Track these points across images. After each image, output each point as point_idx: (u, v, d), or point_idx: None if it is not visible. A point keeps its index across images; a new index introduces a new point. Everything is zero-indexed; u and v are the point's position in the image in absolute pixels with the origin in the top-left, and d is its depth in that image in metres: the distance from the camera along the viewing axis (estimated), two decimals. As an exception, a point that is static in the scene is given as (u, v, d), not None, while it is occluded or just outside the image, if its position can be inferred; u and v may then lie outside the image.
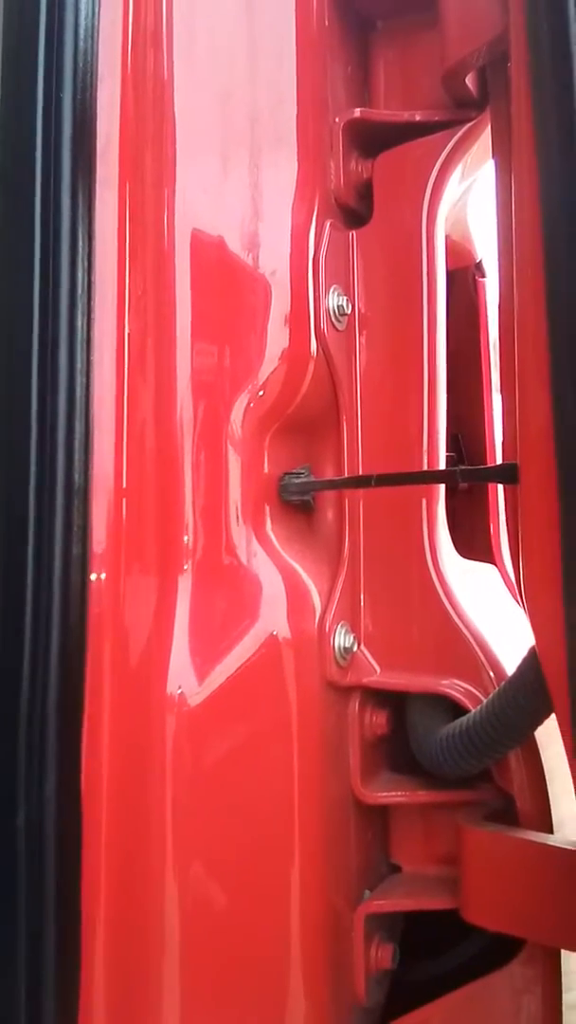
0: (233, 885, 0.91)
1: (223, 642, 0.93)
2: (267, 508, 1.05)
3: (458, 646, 1.06)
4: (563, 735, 0.80)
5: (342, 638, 1.06)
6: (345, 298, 1.10)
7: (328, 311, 1.08)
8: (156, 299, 0.90)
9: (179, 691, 0.87)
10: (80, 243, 0.82)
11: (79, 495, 0.81)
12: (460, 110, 1.10)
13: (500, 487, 1.39)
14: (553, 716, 0.87)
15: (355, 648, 1.08)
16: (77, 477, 0.81)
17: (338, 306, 1.09)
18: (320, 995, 0.99)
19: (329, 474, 1.14)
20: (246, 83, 1.02)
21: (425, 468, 1.10)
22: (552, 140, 0.77)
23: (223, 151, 0.99)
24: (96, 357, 0.84)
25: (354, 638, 1.08)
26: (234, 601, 0.97)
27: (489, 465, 1.50)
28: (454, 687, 1.05)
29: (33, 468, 0.79)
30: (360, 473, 1.12)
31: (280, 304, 1.03)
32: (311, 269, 1.06)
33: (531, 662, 0.90)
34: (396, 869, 1.16)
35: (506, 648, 1.07)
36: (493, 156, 1.06)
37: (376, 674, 1.09)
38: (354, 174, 1.14)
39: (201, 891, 0.88)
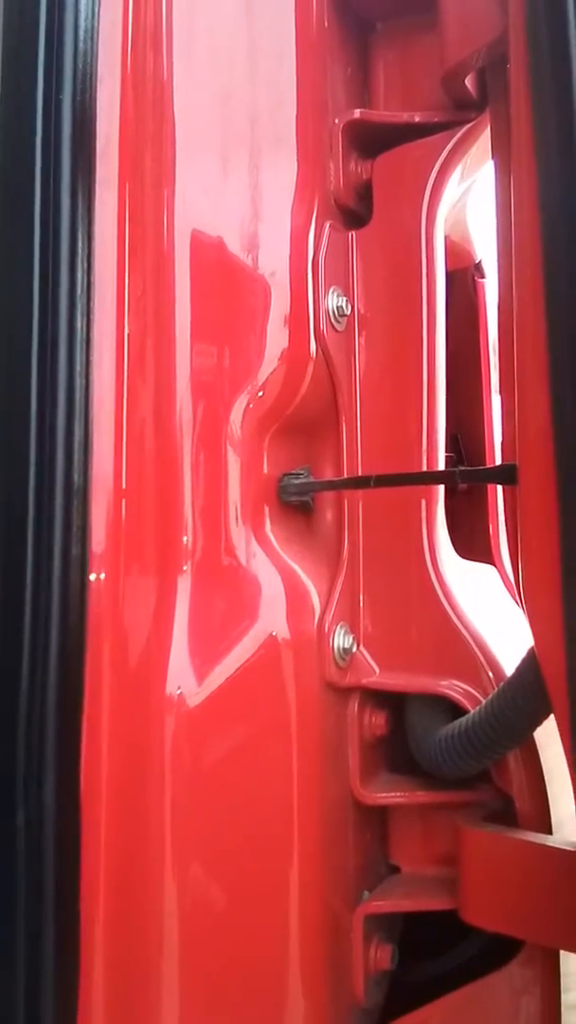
0: (232, 885, 0.91)
1: (222, 643, 0.93)
2: (266, 509, 1.05)
3: (457, 647, 1.06)
4: (561, 736, 0.80)
5: (341, 639, 1.06)
6: (344, 299, 1.11)
7: (327, 312, 1.08)
8: (156, 300, 0.90)
9: (178, 692, 0.87)
10: (80, 243, 0.82)
11: (78, 495, 0.81)
12: (459, 111, 1.10)
13: (499, 488, 1.39)
14: (552, 717, 0.87)
15: (354, 649, 1.08)
16: (76, 477, 0.81)
17: (337, 307, 1.09)
18: (319, 996, 0.99)
19: (328, 475, 1.14)
20: (246, 84, 1.02)
21: (424, 469, 1.10)
22: (551, 141, 0.77)
23: (223, 152, 0.99)
24: (95, 357, 0.84)
25: (353, 639, 1.08)
26: (233, 602, 0.97)
27: (488, 466, 1.50)
28: (453, 688, 1.05)
29: (32, 468, 0.79)
30: (359, 474, 1.12)
31: (279, 305, 1.03)
32: (310, 270, 1.06)
33: (530, 663, 0.90)
34: (395, 870, 1.16)
35: (505, 649, 1.07)
36: (492, 157, 1.06)
37: (375, 675, 1.09)
38: (353, 175, 1.15)
39: (200, 891, 0.88)
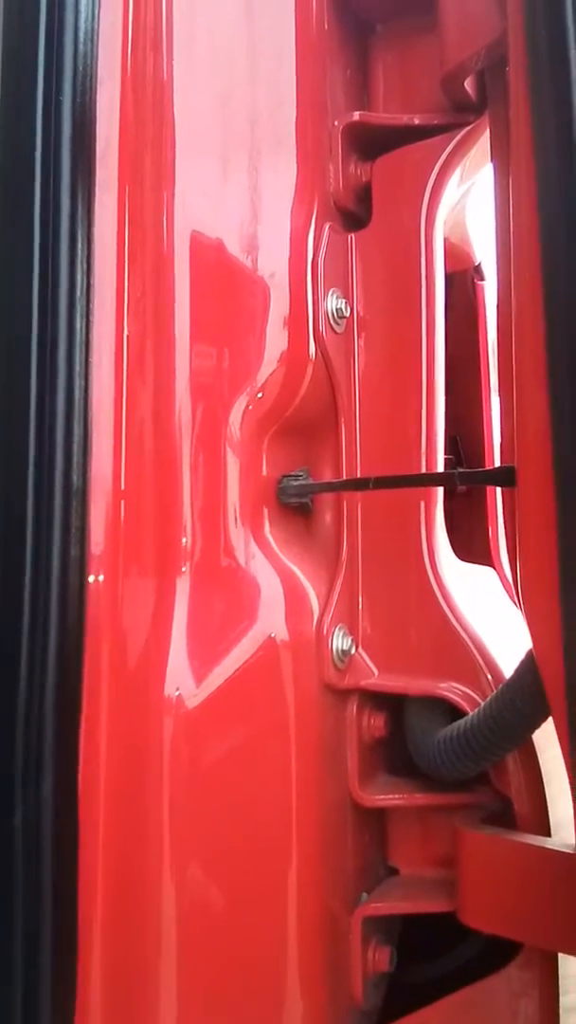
0: (230, 887, 0.91)
1: (221, 644, 0.93)
2: (265, 510, 1.05)
3: (456, 649, 1.06)
4: (560, 738, 0.80)
5: (340, 640, 1.06)
6: (344, 301, 1.11)
7: (327, 314, 1.08)
8: (155, 301, 0.90)
9: (177, 693, 0.87)
10: (79, 245, 0.82)
11: (77, 496, 0.81)
12: (459, 114, 1.10)
13: (498, 490, 1.39)
14: (550, 719, 0.87)
15: (353, 651, 1.08)
16: (75, 479, 0.81)
17: (337, 309, 1.09)
18: (317, 997, 0.98)
19: (327, 476, 1.14)
20: (246, 86, 1.02)
21: (423, 471, 1.10)
22: (550, 143, 0.77)
23: (222, 154, 0.99)
24: (95, 359, 0.84)
25: (352, 640, 1.08)
26: (232, 603, 0.97)
27: (487, 468, 1.50)
28: (452, 690, 1.05)
29: (32, 469, 0.79)
30: (358, 476, 1.12)
31: (279, 307, 1.03)
32: (310, 272, 1.06)
33: (528, 665, 0.90)
34: (394, 872, 1.16)
35: (504, 651, 1.07)
36: (492, 159, 1.06)
37: (374, 677, 1.09)
38: (353, 177, 1.15)
39: (198, 893, 0.88)
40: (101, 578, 0.84)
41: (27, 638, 0.78)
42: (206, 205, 0.96)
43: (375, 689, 1.09)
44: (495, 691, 0.97)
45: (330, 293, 1.09)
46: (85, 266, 0.83)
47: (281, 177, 1.06)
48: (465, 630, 1.06)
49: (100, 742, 0.82)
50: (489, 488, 1.50)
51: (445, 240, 1.16)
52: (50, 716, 0.78)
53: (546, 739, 0.97)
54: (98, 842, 0.81)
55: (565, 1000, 0.98)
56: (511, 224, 0.90)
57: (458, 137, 1.10)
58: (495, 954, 0.99)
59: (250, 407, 0.99)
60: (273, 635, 0.98)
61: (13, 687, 0.78)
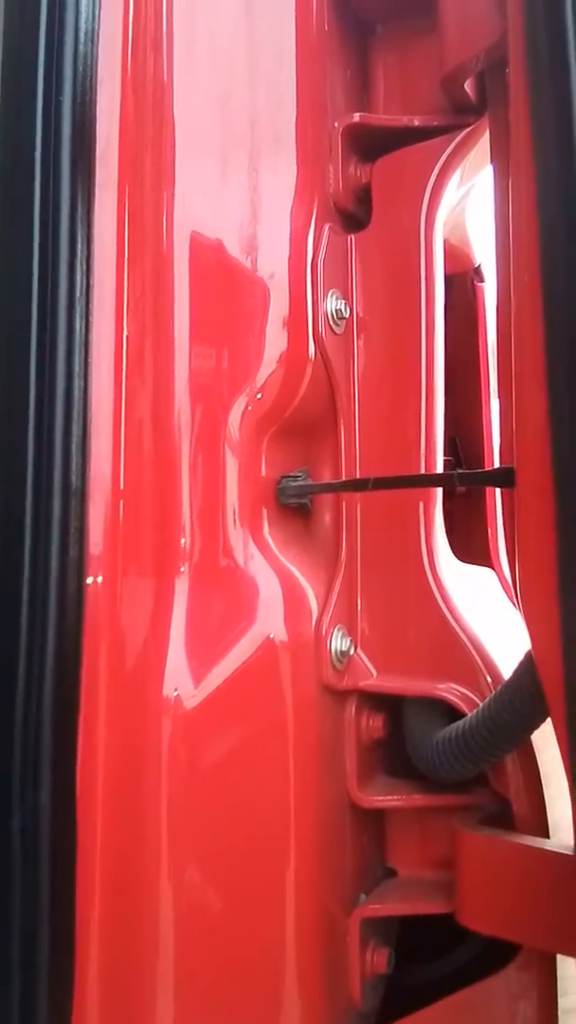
0: (228, 888, 0.90)
1: (219, 645, 0.93)
2: (264, 511, 1.05)
3: (455, 650, 1.06)
4: (558, 739, 0.80)
5: (339, 641, 1.06)
6: (343, 302, 1.11)
7: (326, 315, 1.08)
8: (155, 302, 0.90)
9: (175, 694, 0.87)
10: (79, 245, 0.82)
11: (76, 497, 0.81)
12: (459, 115, 1.10)
13: (497, 491, 1.39)
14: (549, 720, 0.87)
15: (352, 652, 1.08)
16: (74, 479, 0.81)
17: (336, 310, 1.09)
18: (315, 999, 0.98)
19: (327, 477, 1.14)
20: (246, 87, 1.02)
21: (422, 472, 1.10)
22: (550, 145, 0.78)
23: (222, 155, 0.99)
24: (94, 359, 0.84)
25: (351, 641, 1.08)
26: (231, 604, 0.97)
27: (486, 469, 1.50)
28: (451, 691, 1.05)
29: (30, 469, 0.79)
30: (358, 477, 1.12)
31: (278, 307, 1.03)
32: (309, 273, 1.06)
33: (527, 666, 0.90)
34: (392, 873, 1.16)
35: (503, 652, 1.07)
36: (492, 161, 1.06)
37: (372, 678, 1.09)
38: (353, 178, 1.15)
39: (196, 894, 0.88)
40: (99, 578, 0.84)
41: (25, 638, 0.78)
42: (206, 206, 0.96)
43: (374, 690, 1.09)
44: (494, 692, 0.97)
45: (329, 294, 1.09)
46: (85, 266, 0.83)
47: (281, 178, 1.06)
48: (464, 631, 1.06)
49: (98, 743, 0.82)
50: (488, 489, 1.50)
51: (445, 242, 1.16)
52: (48, 717, 0.78)
53: (545, 740, 0.97)
54: (96, 843, 0.81)
55: (564, 1002, 0.98)
56: (510, 226, 0.90)
57: (458, 139, 1.10)
58: (493, 956, 0.99)
59: (249, 408, 0.99)
60: (272, 636, 0.98)
61: (11, 687, 0.78)
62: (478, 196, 1.33)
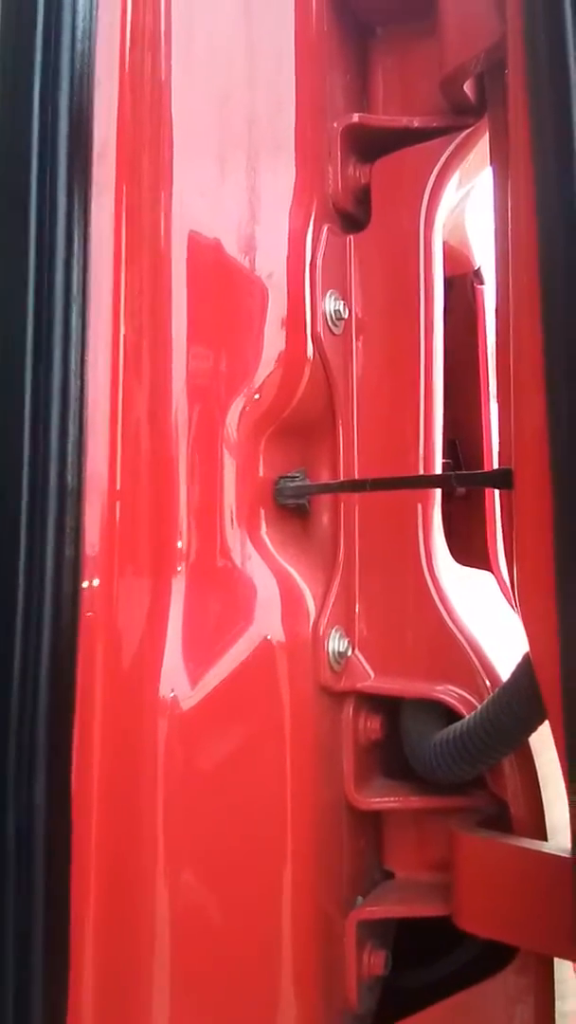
0: (224, 890, 0.90)
1: (216, 646, 0.93)
2: (262, 512, 1.05)
3: (453, 652, 1.06)
4: (556, 741, 0.80)
5: (336, 643, 1.06)
6: (342, 302, 1.11)
7: (325, 315, 1.08)
8: (152, 301, 0.90)
9: (171, 694, 0.87)
10: (76, 245, 0.82)
11: (72, 497, 0.81)
12: (458, 116, 1.10)
13: (497, 493, 1.39)
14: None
15: (349, 653, 1.08)
16: (70, 479, 0.81)
17: (335, 310, 1.09)
18: (312, 1001, 0.98)
19: (325, 478, 1.14)
20: (244, 87, 1.02)
21: (421, 473, 1.10)
22: (549, 147, 0.77)
23: (221, 155, 0.99)
24: (91, 358, 0.83)
25: (348, 643, 1.08)
26: (228, 605, 0.96)
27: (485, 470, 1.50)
28: (448, 693, 1.05)
29: (26, 469, 0.79)
30: (356, 477, 1.12)
31: (277, 308, 1.03)
32: (308, 273, 1.06)
33: (525, 668, 0.90)
34: (389, 875, 1.16)
35: (501, 654, 1.06)
36: (491, 163, 1.06)
37: (370, 679, 1.09)
38: (352, 179, 1.15)
39: (192, 896, 0.87)
40: (95, 579, 0.84)
41: (20, 639, 0.78)
42: (204, 205, 0.96)
43: (371, 691, 1.09)
44: (492, 694, 0.97)
45: (328, 295, 1.08)
46: (81, 266, 0.83)
47: (280, 178, 1.06)
48: (462, 633, 1.06)
49: (94, 743, 0.82)
50: (487, 492, 1.50)
51: (444, 243, 1.16)
52: (43, 717, 0.78)
53: (543, 743, 0.97)
54: (91, 844, 0.81)
55: (561, 1006, 0.97)
56: (509, 227, 0.90)
57: (457, 140, 1.10)
58: (491, 958, 0.99)
59: (247, 408, 0.99)
60: (269, 637, 0.97)
61: (6, 688, 0.78)
62: (478, 198, 1.33)
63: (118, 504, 0.86)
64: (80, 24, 0.83)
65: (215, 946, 0.89)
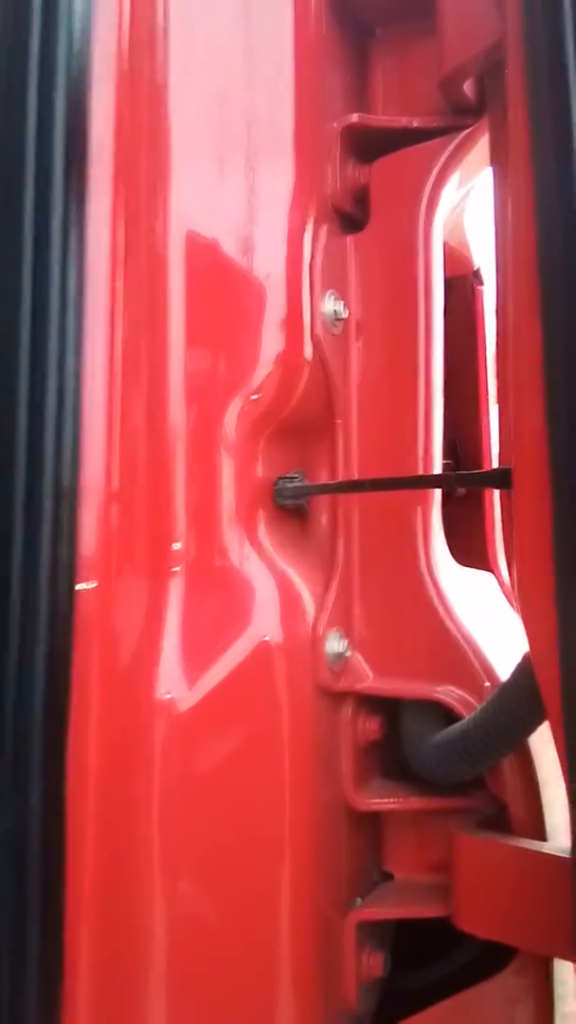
0: (222, 892, 0.90)
1: (214, 647, 0.93)
2: (260, 512, 1.05)
3: (452, 652, 1.06)
4: (555, 741, 0.80)
5: (335, 643, 1.05)
6: (341, 303, 1.10)
7: (323, 316, 1.08)
8: (149, 302, 0.89)
9: (168, 696, 0.87)
10: (72, 245, 0.82)
11: (69, 498, 0.80)
12: (458, 116, 1.10)
13: (496, 494, 1.39)
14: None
15: (348, 653, 1.08)
16: (67, 479, 0.80)
17: (333, 311, 1.09)
18: (310, 1003, 0.98)
19: (323, 479, 1.14)
20: (243, 87, 1.02)
21: (420, 474, 1.09)
22: (548, 147, 0.77)
23: (219, 155, 0.99)
24: (87, 359, 0.83)
25: (347, 643, 1.08)
26: (226, 606, 0.96)
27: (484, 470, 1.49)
28: (448, 693, 1.05)
29: (22, 470, 0.79)
30: (355, 478, 1.12)
31: (275, 308, 1.03)
32: (307, 274, 1.06)
33: (525, 668, 0.90)
34: (388, 876, 1.16)
35: (501, 655, 1.06)
36: (491, 163, 1.06)
37: (369, 680, 1.09)
38: (351, 179, 1.15)
39: (189, 898, 0.87)
40: (92, 579, 0.83)
41: (16, 640, 0.77)
42: (202, 206, 0.95)
43: (370, 692, 1.09)
44: (491, 695, 0.97)
45: (327, 295, 1.08)
46: (77, 266, 0.82)
47: (278, 178, 1.06)
48: (461, 633, 1.06)
49: (89, 745, 0.81)
50: (488, 492, 1.50)
51: (445, 244, 1.15)
52: (38, 719, 0.77)
53: (543, 743, 0.97)
54: (86, 848, 0.80)
55: (564, 1007, 0.97)
56: (509, 228, 0.90)
57: (457, 140, 1.10)
58: (490, 959, 0.99)
59: (245, 408, 0.99)
60: (267, 638, 0.97)
61: (0, 689, 0.77)
62: (477, 198, 1.33)
63: (115, 505, 0.86)
64: (77, 23, 0.83)
65: (213, 948, 0.89)
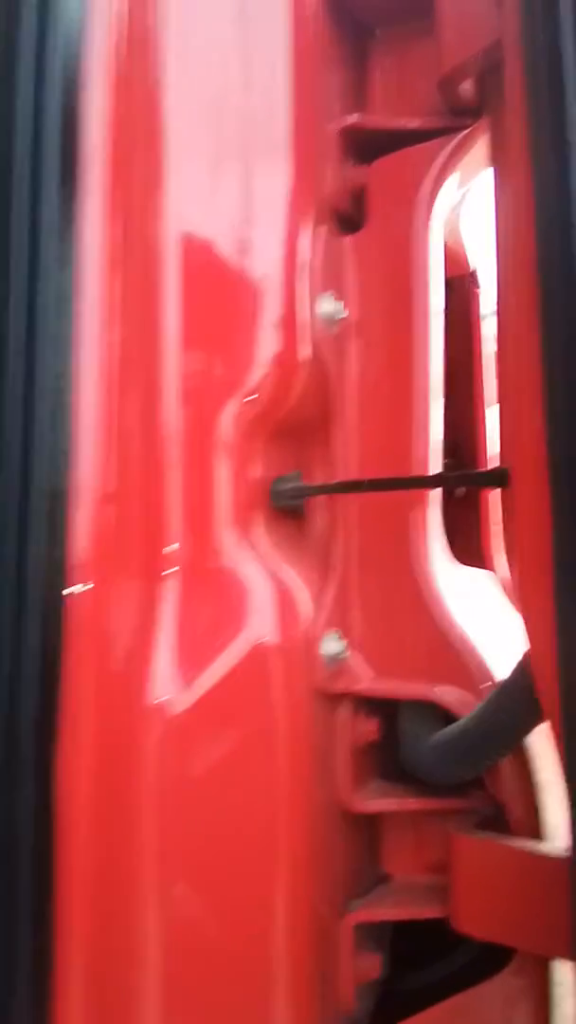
0: (218, 895, 0.90)
1: (209, 649, 0.92)
2: (257, 513, 1.04)
3: (450, 653, 1.05)
4: (554, 741, 0.79)
5: (332, 645, 1.05)
6: (340, 303, 1.10)
7: (321, 316, 1.08)
8: (144, 303, 0.89)
9: (162, 699, 0.86)
10: (66, 247, 0.81)
11: (62, 499, 0.80)
12: (456, 117, 1.10)
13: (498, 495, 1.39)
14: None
15: (345, 655, 1.08)
16: (60, 481, 0.80)
17: (331, 312, 1.09)
18: (307, 1004, 0.98)
19: (320, 480, 1.14)
20: (240, 88, 1.02)
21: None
22: (546, 147, 0.77)
23: (216, 156, 0.99)
24: (82, 360, 0.83)
25: (344, 645, 1.08)
26: (222, 607, 0.96)
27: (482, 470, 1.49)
28: (446, 694, 1.05)
29: (16, 471, 0.78)
30: (352, 479, 1.12)
31: (272, 309, 1.03)
32: (305, 274, 1.06)
33: (524, 668, 0.90)
34: (386, 878, 1.15)
35: (499, 655, 1.06)
36: (491, 164, 1.06)
37: (366, 681, 1.08)
38: (349, 180, 1.15)
39: (184, 901, 0.87)
40: (85, 581, 0.83)
41: (8, 642, 0.77)
42: (197, 207, 0.95)
43: (367, 693, 1.09)
44: (489, 695, 0.97)
45: (325, 296, 1.08)
46: (71, 268, 0.82)
47: (276, 179, 1.05)
48: (459, 634, 1.06)
49: (80, 749, 0.81)
50: (488, 492, 1.49)
51: (444, 244, 1.15)
52: (28, 722, 0.77)
53: (541, 743, 0.96)
54: (77, 855, 0.80)
55: (563, 1007, 0.97)
56: (509, 228, 0.90)
57: (456, 140, 1.10)
58: (488, 960, 0.98)
59: (242, 409, 0.99)
60: (263, 639, 0.97)
61: None
62: (474, 199, 1.33)
63: (109, 506, 0.86)
64: (70, 26, 0.83)
65: (209, 951, 0.89)
